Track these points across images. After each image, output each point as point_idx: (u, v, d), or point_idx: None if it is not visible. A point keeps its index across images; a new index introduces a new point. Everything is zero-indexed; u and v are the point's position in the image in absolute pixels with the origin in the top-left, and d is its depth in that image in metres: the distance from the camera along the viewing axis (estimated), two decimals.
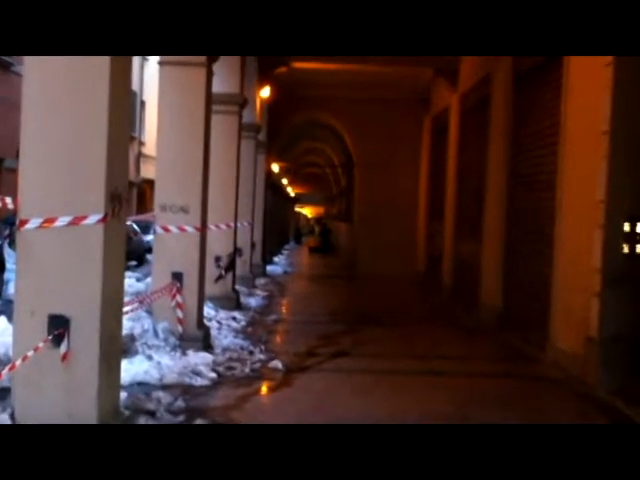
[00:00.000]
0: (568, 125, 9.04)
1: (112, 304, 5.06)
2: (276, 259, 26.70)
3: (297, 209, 61.16)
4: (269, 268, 21.54)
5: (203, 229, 9.08)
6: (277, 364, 8.22)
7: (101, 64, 4.80)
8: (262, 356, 8.65)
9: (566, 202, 9.00)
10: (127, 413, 5.62)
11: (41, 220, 4.81)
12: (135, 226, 22.60)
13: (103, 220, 4.82)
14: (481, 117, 13.61)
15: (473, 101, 14.58)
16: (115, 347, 5.19)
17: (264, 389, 7.47)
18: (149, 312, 8.49)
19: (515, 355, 9.78)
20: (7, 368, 4.72)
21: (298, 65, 16.75)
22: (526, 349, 9.94)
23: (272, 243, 26.02)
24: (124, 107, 5.20)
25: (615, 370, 7.59)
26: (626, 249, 7.84)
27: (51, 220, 4.80)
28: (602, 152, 7.90)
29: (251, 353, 8.79)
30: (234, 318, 11.25)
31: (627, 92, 7.76)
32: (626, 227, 7.83)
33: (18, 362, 4.67)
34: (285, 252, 34.29)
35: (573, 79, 8.96)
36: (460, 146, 15.70)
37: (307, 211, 69.74)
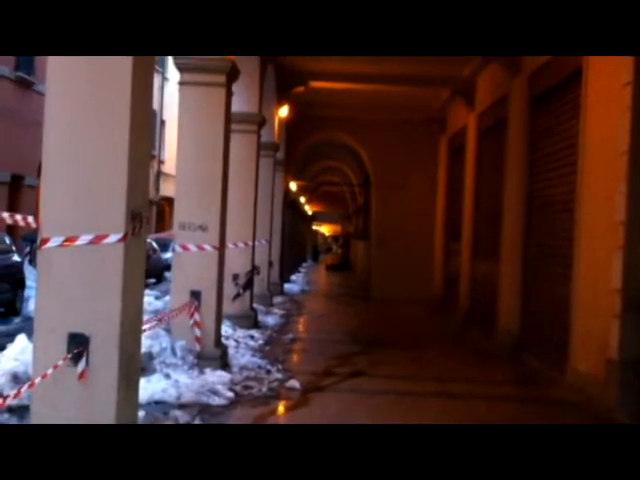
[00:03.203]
0: (586, 145, 9.00)
1: (132, 323, 5.07)
2: (294, 277, 26.71)
3: (314, 227, 61.21)
4: (287, 286, 21.55)
5: (221, 247, 9.12)
6: (294, 384, 8.20)
7: (123, 82, 4.83)
8: (279, 375, 8.65)
9: (585, 223, 8.95)
10: None
11: (62, 239, 4.83)
12: (154, 244, 22.73)
13: (123, 239, 4.84)
14: (498, 137, 13.61)
15: (490, 121, 14.58)
16: (134, 365, 5.20)
17: (281, 409, 7.45)
18: (167, 330, 8.52)
19: (533, 378, 9.70)
20: (26, 385, 4.74)
21: (316, 85, 16.87)
22: (544, 372, 9.85)
23: (290, 261, 26.04)
24: (145, 126, 5.24)
25: (635, 393, 7.49)
26: None
27: (72, 239, 4.83)
28: (621, 173, 7.86)
29: (268, 372, 8.79)
30: (252, 337, 11.26)
31: None
32: None
33: (37, 380, 4.69)
34: (303, 270, 34.30)
35: (591, 99, 8.94)
36: (477, 166, 15.69)
37: (325, 229, 69.79)
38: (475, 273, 15.49)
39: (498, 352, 11.62)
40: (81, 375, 4.78)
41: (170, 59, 17.61)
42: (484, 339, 12.89)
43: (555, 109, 10.58)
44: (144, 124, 5.20)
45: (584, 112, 9.11)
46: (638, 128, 7.73)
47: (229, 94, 9.27)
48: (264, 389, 7.93)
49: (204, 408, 6.93)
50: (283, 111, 16.89)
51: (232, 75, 9.26)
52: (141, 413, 5.97)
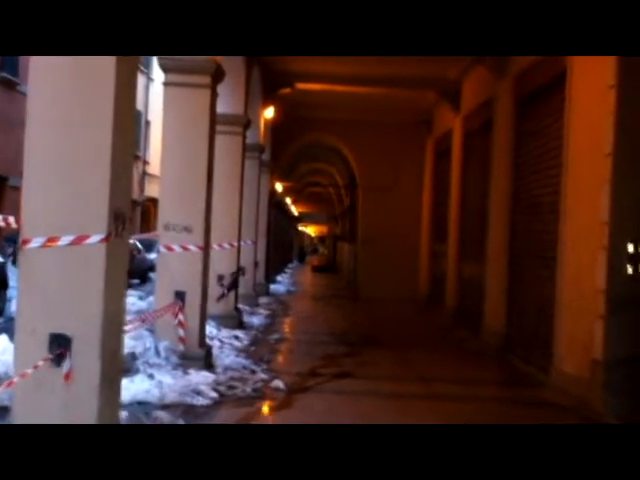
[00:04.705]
0: (571, 147, 9.05)
1: (113, 323, 5.04)
2: (279, 278, 26.67)
3: (301, 228, 61.20)
4: (272, 287, 21.52)
5: (206, 248, 9.09)
6: (279, 384, 8.19)
7: (106, 82, 4.80)
8: (264, 375, 8.62)
9: (570, 224, 8.99)
10: None
11: (43, 239, 4.80)
12: (139, 244, 22.63)
13: (105, 239, 4.80)
14: (484, 139, 13.65)
15: (476, 124, 14.63)
16: (116, 366, 5.17)
17: (265, 410, 7.43)
18: (151, 331, 8.49)
19: (519, 379, 9.73)
20: (4, 384, 4.70)
21: (302, 86, 16.87)
22: (530, 372, 9.89)
23: (275, 262, 26.01)
24: (128, 126, 5.21)
25: (620, 394, 7.52)
26: (630, 271, 7.83)
27: (53, 239, 4.79)
28: (605, 174, 7.91)
29: (253, 372, 8.77)
30: (236, 337, 11.23)
31: (630, 114, 7.78)
32: (630, 248, 7.83)
33: (16, 379, 4.66)
34: (288, 271, 34.27)
35: (575, 101, 8.98)
36: (463, 168, 15.73)
37: (311, 230, 69.78)
38: (461, 273, 15.53)
39: (484, 353, 11.65)
40: (67, 376, 4.74)
41: (155, 59, 17.59)
42: (471, 340, 12.91)
43: (540, 111, 10.62)
44: (127, 124, 5.16)
45: (569, 114, 9.15)
46: (622, 130, 7.78)
47: (214, 95, 9.24)
48: (248, 390, 7.90)
49: (187, 409, 6.90)
50: (269, 112, 16.87)
51: (217, 76, 9.24)
52: (124, 414, 5.92)
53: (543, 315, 9.78)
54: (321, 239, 69.10)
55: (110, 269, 4.88)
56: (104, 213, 4.82)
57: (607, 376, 7.66)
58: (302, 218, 52.34)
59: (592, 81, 8.45)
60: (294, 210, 43.55)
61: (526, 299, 10.85)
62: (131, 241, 13.37)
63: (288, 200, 35.51)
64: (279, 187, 25.50)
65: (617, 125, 7.78)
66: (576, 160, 8.90)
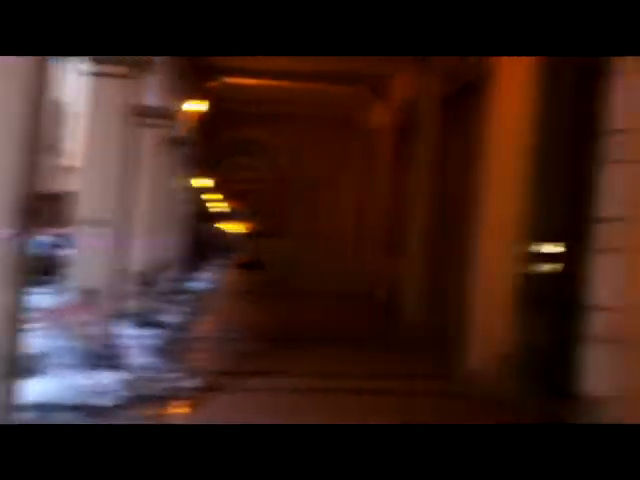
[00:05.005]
0: (491, 145, 9.22)
1: (11, 321, 4.85)
2: (200, 275, 26.32)
3: (226, 224, 60.76)
4: (192, 284, 21.19)
5: (122, 244, 8.90)
6: (191, 383, 8.06)
7: (15, 80, 4.66)
8: (176, 375, 8.46)
9: (484, 220, 9.19)
10: None
11: None
12: (51, 240, 21.94)
13: (5, 234, 4.64)
14: (410, 136, 13.87)
15: (404, 120, 14.86)
16: (14, 366, 4.98)
17: (175, 410, 7.31)
18: (59, 329, 8.21)
19: (433, 372, 9.87)
20: None
21: (232, 80, 16.72)
22: (445, 366, 10.02)
23: (197, 258, 25.69)
24: (37, 116, 5.03)
25: (527, 385, 7.71)
26: (537, 268, 8.05)
27: None
28: (519, 173, 8.11)
29: (165, 372, 8.60)
30: (150, 336, 10.97)
31: (549, 110, 7.91)
32: (538, 247, 8.05)
33: None
34: (210, 268, 33.87)
35: (498, 99, 9.11)
36: (388, 165, 15.97)
37: (236, 226, 69.30)
38: (386, 268, 15.73)
39: (407, 346, 11.77)
40: None
41: None
42: (394, 334, 13.04)
43: (465, 108, 10.82)
44: (36, 114, 4.99)
45: (490, 112, 9.30)
46: (540, 128, 7.93)
47: (138, 86, 9.10)
48: (159, 389, 7.74)
49: (94, 410, 6.70)
50: (195, 106, 16.64)
51: (142, 67, 9.05)
52: (27, 415, 5.72)
53: (460, 309, 9.97)
54: (248, 235, 68.66)
55: (8, 265, 4.71)
56: (5, 207, 4.65)
57: (515, 368, 7.87)
58: (228, 214, 51.98)
59: (515, 78, 8.54)
60: (219, 206, 43.22)
61: (443, 294, 11.08)
62: (43, 236, 12.97)
63: (214, 196, 35.22)
64: (205, 182, 25.26)
65: (534, 122, 7.92)
66: (494, 158, 9.07)
